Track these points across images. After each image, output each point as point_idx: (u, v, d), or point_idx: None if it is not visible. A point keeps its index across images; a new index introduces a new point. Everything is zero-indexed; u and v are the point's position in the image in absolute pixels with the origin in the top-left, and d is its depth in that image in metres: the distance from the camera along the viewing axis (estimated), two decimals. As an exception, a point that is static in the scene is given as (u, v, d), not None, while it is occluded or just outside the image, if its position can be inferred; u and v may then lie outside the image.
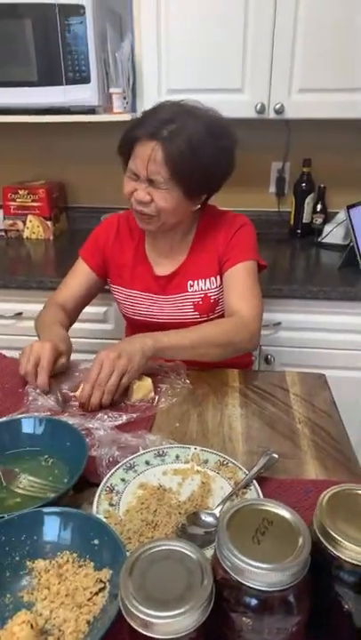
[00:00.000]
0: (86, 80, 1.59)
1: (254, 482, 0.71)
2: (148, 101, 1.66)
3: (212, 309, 1.17)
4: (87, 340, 1.61)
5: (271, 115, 1.64)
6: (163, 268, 1.20)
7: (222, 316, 1.17)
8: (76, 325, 1.62)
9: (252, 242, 1.17)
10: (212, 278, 1.16)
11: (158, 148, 0.99)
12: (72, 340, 1.64)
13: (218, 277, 1.16)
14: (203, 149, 1.01)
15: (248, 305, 1.09)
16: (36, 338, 1.68)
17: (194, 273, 1.17)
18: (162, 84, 1.65)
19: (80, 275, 1.23)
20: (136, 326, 1.23)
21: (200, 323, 1.11)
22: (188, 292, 1.17)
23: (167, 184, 1.02)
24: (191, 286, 1.17)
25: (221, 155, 1.06)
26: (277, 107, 1.62)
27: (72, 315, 1.22)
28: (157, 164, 1.00)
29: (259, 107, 1.63)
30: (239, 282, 1.13)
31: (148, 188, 1.04)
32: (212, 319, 1.16)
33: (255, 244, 1.18)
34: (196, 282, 1.16)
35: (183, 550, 0.48)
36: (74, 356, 1.09)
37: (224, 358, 1.06)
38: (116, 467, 0.73)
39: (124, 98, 1.67)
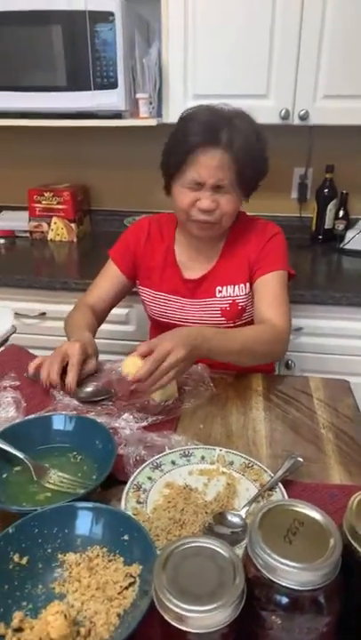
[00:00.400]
0: (114, 85, 1.62)
1: (280, 484, 0.72)
2: (173, 106, 1.69)
3: (239, 316, 1.18)
4: (108, 340, 1.62)
5: (296, 121, 1.65)
6: (192, 271, 1.21)
7: (250, 322, 1.18)
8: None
9: (283, 251, 1.19)
10: (242, 285, 1.17)
11: (223, 153, 1.02)
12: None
13: (247, 285, 1.17)
14: (255, 151, 1.05)
15: (279, 314, 1.10)
16: (61, 337, 1.71)
17: (223, 279, 1.18)
18: (188, 89, 1.67)
19: (110, 277, 1.26)
20: (161, 328, 1.24)
21: (225, 328, 1.12)
22: (216, 297, 1.18)
23: (231, 187, 1.05)
24: (220, 292, 1.18)
25: (264, 156, 1.10)
26: (302, 113, 1.63)
27: (101, 316, 1.25)
28: (225, 169, 1.03)
29: (283, 112, 1.64)
30: (270, 291, 1.14)
31: (214, 196, 1.05)
32: (238, 326, 1.17)
33: (286, 253, 1.19)
34: (224, 287, 1.17)
35: (215, 548, 0.49)
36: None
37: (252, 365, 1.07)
38: (143, 465, 0.75)
39: (150, 103, 1.69)
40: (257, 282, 1.16)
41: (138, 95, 1.67)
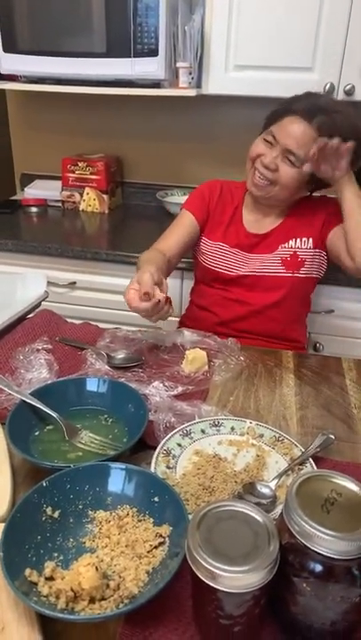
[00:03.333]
0: (154, 53, 1.58)
1: (310, 459, 0.71)
2: (213, 77, 1.64)
3: (298, 267, 1.22)
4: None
5: (340, 96, 1.59)
6: (256, 230, 1.26)
7: (309, 278, 1.25)
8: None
9: None
10: (304, 238, 1.22)
11: (309, 128, 1.10)
12: (122, 313, 1.67)
13: (310, 240, 1.21)
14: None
15: None
16: (91, 307, 1.71)
17: (287, 234, 1.23)
18: (229, 59, 1.62)
19: (184, 225, 1.28)
20: (206, 280, 1.30)
21: (284, 278, 1.20)
22: (278, 250, 1.23)
23: (295, 163, 1.12)
24: (283, 247, 1.23)
25: (355, 162, 1.14)
26: (348, 87, 1.57)
27: (172, 262, 1.24)
28: (302, 142, 1.10)
29: (328, 87, 1.57)
30: None
31: (278, 159, 1.13)
32: (297, 277, 1.22)
33: None
34: (287, 242, 1.23)
35: (249, 512, 0.49)
36: (127, 328, 1.11)
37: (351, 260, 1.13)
38: (173, 432, 0.75)
39: (190, 73, 1.65)
40: (334, 230, 1.20)
41: (178, 64, 1.63)
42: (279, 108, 1.17)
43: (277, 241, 1.23)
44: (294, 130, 1.11)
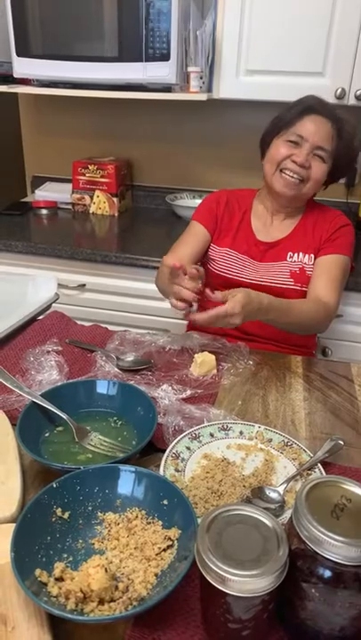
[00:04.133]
0: (166, 57, 1.59)
1: (319, 465, 0.71)
2: (224, 82, 1.65)
3: (305, 282, 1.22)
4: (146, 316, 1.64)
5: (351, 101, 1.59)
6: (265, 238, 1.27)
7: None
8: (137, 302, 1.66)
9: (351, 241, 1.25)
10: (311, 255, 1.23)
11: (332, 125, 1.15)
12: (132, 315, 1.68)
13: (314, 258, 1.23)
14: (353, 147, 1.19)
15: (334, 295, 1.16)
16: (100, 310, 1.72)
17: (295, 246, 1.24)
18: (241, 64, 1.62)
19: (195, 235, 1.30)
20: (215, 286, 1.27)
21: (293, 290, 1.20)
22: (286, 260, 1.24)
23: (327, 159, 1.17)
24: (291, 257, 1.24)
25: (356, 158, 1.23)
26: (358, 93, 1.56)
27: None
28: (328, 138, 1.15)
29: (339, 92, 1.57)
30: (332, 270, 1.19)
31: (309, 156, 1.16)
32: (305, 291, 1.21)
33: (353, 244, 1.26)
34: (296, 254, 1.23)
35: (259, 517, 0.49)
36: (136, 331, 1.11)
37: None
38: (182, 435, 0.75)
39: (201, 77, 1.66)
40: (321, 259, 1.21)
41: (189, 69, 1.64)
42: (294, 109, 1.19)
43: (285, 249, 1.24)
44: (320, 126, 1.14)
